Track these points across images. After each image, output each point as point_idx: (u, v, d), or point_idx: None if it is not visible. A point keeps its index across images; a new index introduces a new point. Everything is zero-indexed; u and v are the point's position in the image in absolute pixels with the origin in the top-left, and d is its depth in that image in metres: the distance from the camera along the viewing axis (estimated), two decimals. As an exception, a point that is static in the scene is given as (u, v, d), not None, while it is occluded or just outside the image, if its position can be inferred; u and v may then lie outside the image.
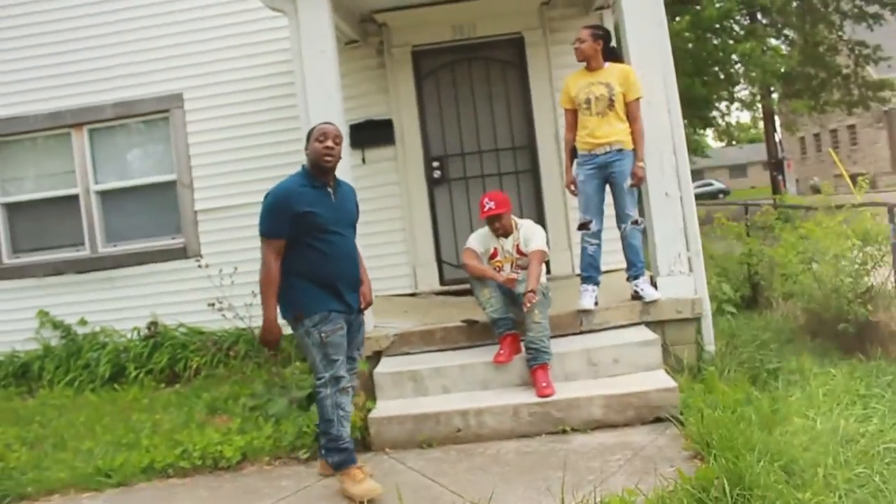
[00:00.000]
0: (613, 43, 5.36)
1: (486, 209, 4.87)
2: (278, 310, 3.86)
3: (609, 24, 6.90)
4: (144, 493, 4.29)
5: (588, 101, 5.03)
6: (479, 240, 5.05)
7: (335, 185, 3.98)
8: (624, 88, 5.02)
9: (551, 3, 6.97)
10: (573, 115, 5.20)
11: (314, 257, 3.82)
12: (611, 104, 5.00)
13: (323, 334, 3.81)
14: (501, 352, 4.70)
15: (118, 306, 7.39)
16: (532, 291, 4.54)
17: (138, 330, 7.24)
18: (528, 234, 4.97)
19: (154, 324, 7.22)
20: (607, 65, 5.15)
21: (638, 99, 5.06)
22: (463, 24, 6.96)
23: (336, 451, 3.88)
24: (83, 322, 7.38)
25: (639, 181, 5.06)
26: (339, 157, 3.97)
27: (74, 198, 7.56)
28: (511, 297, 4.88)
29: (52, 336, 7.43)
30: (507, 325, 4.78)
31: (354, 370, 4.16)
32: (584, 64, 5.18)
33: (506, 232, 4.95)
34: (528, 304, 4.53)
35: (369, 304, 4.20)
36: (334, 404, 3.85)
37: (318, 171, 3.90)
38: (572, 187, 5.22)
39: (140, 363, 6.92)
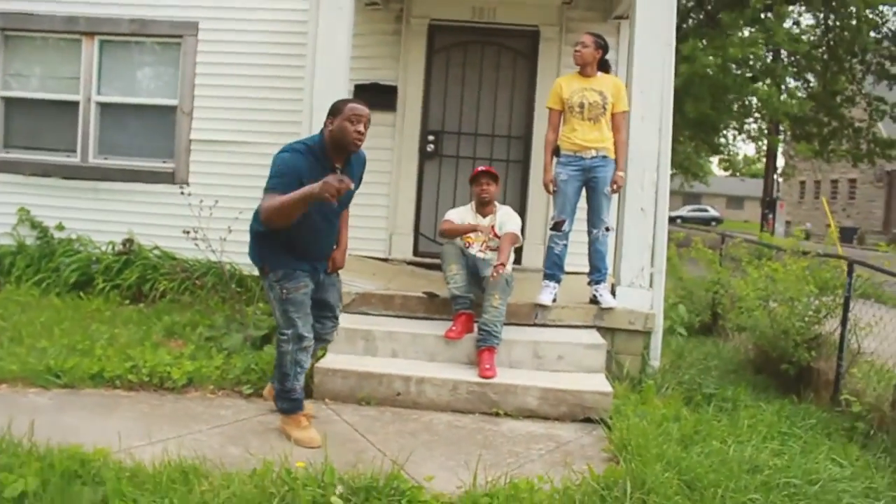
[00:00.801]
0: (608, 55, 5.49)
1: (480, 169, 5.20)
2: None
3: (625, 35, 7.03)
4: (89, 397, 4.44)
5: (581, 106, 5.17)
6: (457, 213, 5.32)
7: (345, 164, 3.89)
8: (614, 99, 5.19)
9: (573, 4, 7.07)
10: (559, 116, 5.34)
11: (295, 232, 3.74)
12: (603, 112, 5.15)
13: (284, 290, 3.85)
14: (454, 328, 4.87)
15: (98, 218, 7.52)
16: (501, 265, 4.77)
17: (113, 244, 7.37)
18: (505, 217, 5.20)
19: (130, 241, 7.35)
20: (599, 74, 5.29)
21: (624, 112, 5.22)
22: (484, 7, 7.05)
23: (287, 400, 4.00)
24: (60, 227, 7.50)
25: (618, 189, 5.23)
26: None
27: (74, 104, 7.64)
28: (477, 278, 5.06)
29: (28, 235, 7.54)
30: (465, 304, 4.96)
31: (334, 327, 4.29)
32: (578, 68, 5.30)
33: (488, 203, 5.21)
34: (496, 275, 4.75)
35: (338, 268, 4.19)
36: (293, 360, 3.93)
37: (337, 151, 3.81)
38: (550, 186, 5.35)
39: (109, 277, 7.05)
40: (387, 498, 3.08)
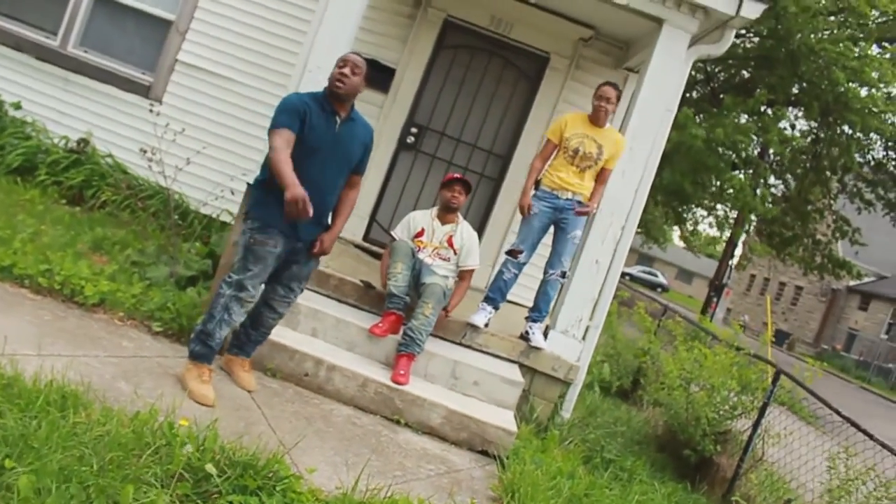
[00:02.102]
0: None
1: (454, 174, 5.22)
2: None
3: (630, 87, 7.02)
4: (-10, 289, 4.23)
5: (577, 151, 5.12)
6: (410, 220, 5.24)
7: (347, 119, 3.96)
8: (609, 156, 5.15)
9: (589, 43, 7.03)
10: (553, 149, 5.28)
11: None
12: (593, 165, 5.12)
13: (252, 239, 3.83)
14: (380, 325, 4.76)
15: (60, 109, 7.22)
16: (448, 312, 5.00)
17: (68, 140, 7.07)
18: (471, 242, 5.19)
19: (85, 141, 7.06)
20: (608, 126, 5.25)
21: (613, 169, 5.19)
22: (503, 18, 6.97)
23: (201, 343, 3.89)
24: (18, 105, 7.16)
25: (584, 212, 5.16)
26: (355, 88, 3.92)
27: (69, -14, 7.32)
28: (417, 282, 4.97)
29: (-18, 104, 7.20)
30: (399, 304, 4.85)
31: (285, 299, 4.13)
32: (591, 112, 5.23)
33: (453, 211, 5.19)
34: (448, 315, 4.98)
35: (323, 252, 4.10)
36: (224, 305, 3.86)
37: (331, 96, 3.90)
38: (526, 210, 5.23)
39: (53, 171, 6.77)
40: (262, 479, 2.96)
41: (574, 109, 6.37)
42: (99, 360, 3.79)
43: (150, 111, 6.25)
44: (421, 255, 5.05)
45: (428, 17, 7.04)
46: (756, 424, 5.43)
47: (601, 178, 5.23)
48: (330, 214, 4.10)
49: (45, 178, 6.70)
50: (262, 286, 4.04)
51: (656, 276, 48.26)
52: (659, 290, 44.81)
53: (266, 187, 3.84)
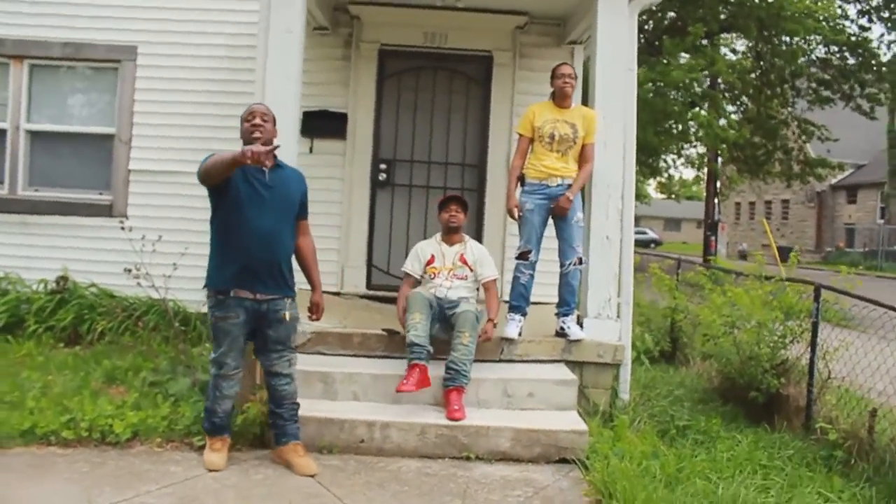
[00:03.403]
0: None
1: (448, 195, 5.12)
2: None
3: (579, 59, 6.95)
4: (18, 458, 4.01)
5: (552, 137, 5.01)
6: (418, 251, 5.09)
7: (274, 167, 3.98)
8: (585, 132, 5.04)
9: (526, 29, 6.95)
10: (528, 143, 5.17)
11: (227, 228, 3.89)
12: (572, 145, 5.01)
13: (214, 317, 3.97)
14: (406, 381, 4.42)
15: (28, 254, 6.99)
16: (492, 321, 4.80)
17: (46, 282, 6.85)
18: (481, 255, 5.04)
19: (64, 279, 6.85)
20: (574, 105, 5.15)
21: (594, 143, 5.07)
22: (435, 31, 6.88)
23: (208, 420, 4.10)
24: (-16, 264, 6.96)
25: (561, 210, 5.03)
26: (271, 134, 3.97)
27: (1, 132, 7.15)
28: (444, 316, 4.78)
29: (-54, 275, 6.98)
30: (422, 355, 4.52)
31: (281, 359, 4.06)
32: (552, 96, 5.15)
33: (456, 231, 5.03)
34: (488, 335, 4.78)
35: (320, 310, 4.30)
36: (214, 385, 4.04)
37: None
38: (515, 212, 5.15)
39: (41, 318, 6.52)
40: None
41: (530, 98, 6.29)
42: (153, 495, 3.59)
43: (122, 228, 6.07)
44: (438, 281, 4.89)
45: (361, 52, 6.93)
46: (813, 345, 5.30)
47: (584, 155, 5.11)
48: (284, 268, 4.04)
49: (36, 327, 6.47)
50: (240, 358, 4.06)
51: (646, 233, 48.28)
52: (653, 245, 44.82)
53: (214, 252, 3.96)
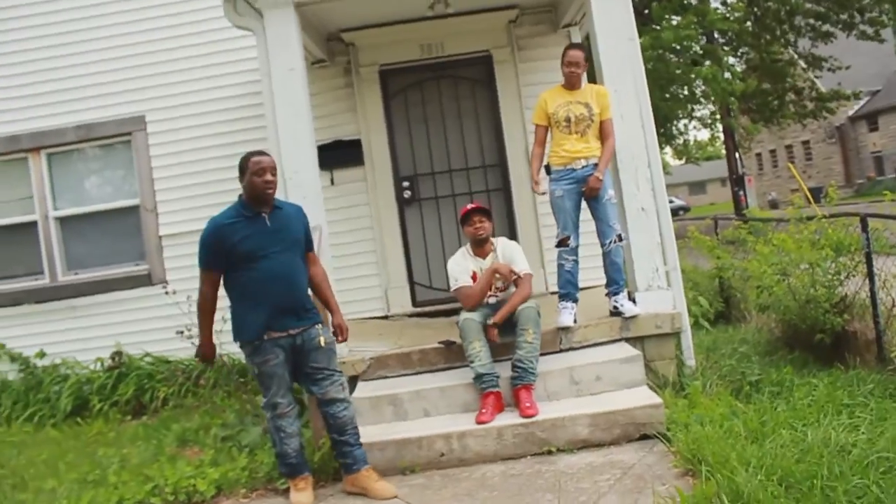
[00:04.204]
0: None
1: (469, 208, 4.86)
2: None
3: (576, 41, 6.92)
4: (114, 532, 4.08)
5: (568, 120, 4.99)
6: (457, 267, 4.88)
7: (273, 210, 4.07)
8: (600, 108, 5.01)
9: (518, 22, 6.95)
10: (545, 131, 5.14)
11: (245, 282, 3.96)
12: (590, 124, 4.98)
13: (254, 365, 4.06)
14: (484, 411, 4.41)
15: (80, 336, 7.14)
16: (494, 325, 4.66)
17: (102, 361, 6.98)
18: (510, 253, 4.87)
19: (118, 353, 6.97)
20: (584, 84, 5.13)
21: (611, 118, 5.04)
22: (431, 42, 6.90)
23: (282, 464, 4.17)
24: (41, 354, 7.10)
25: (592, 192, 5.00)
26: (276, 186, 4.08)
27: (32, 224, 7.33)
28: (507, 322, 4.71)
29: (9, 370, 7.14)
30: (492, 382, 4.50)
31: (332, 384, 4.10)
32: (563, 81, 5.13)
33: (484, 242, 4.87)
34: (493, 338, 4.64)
35: (345, 331, 4.28)
36: (275, 427, 4.11)
37: (256, 203, 4.00)
38: (538, 188, 5.11)
39: (104, 395, 6.66)
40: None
41: (536, 88, 6.27)
42: (250, 543, 3.62)
43: (166, 293, 6.16)
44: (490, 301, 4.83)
45: (362, 77, 6.98)
46: (870, 276, 5.20)
47: (604, 132, 5.07)
48: (306, 301, 4.15)
49: (101, 405, 6.61)
50: (290, 395, 4.15)
51: (672, 201, 47.80)
52: (681, 212, 44.39)
53: (237, 309, 4.04)
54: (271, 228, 4.00)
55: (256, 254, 3.93)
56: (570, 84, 5.09)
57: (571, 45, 5.18)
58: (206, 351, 4.21)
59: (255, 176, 3.95)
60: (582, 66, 5.05)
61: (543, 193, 5.15)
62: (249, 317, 3.96)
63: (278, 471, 4.25)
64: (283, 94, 5.18)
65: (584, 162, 4.99)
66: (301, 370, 4.12)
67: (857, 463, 3.30)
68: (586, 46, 5.37)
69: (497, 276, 4.82)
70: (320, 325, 4.13)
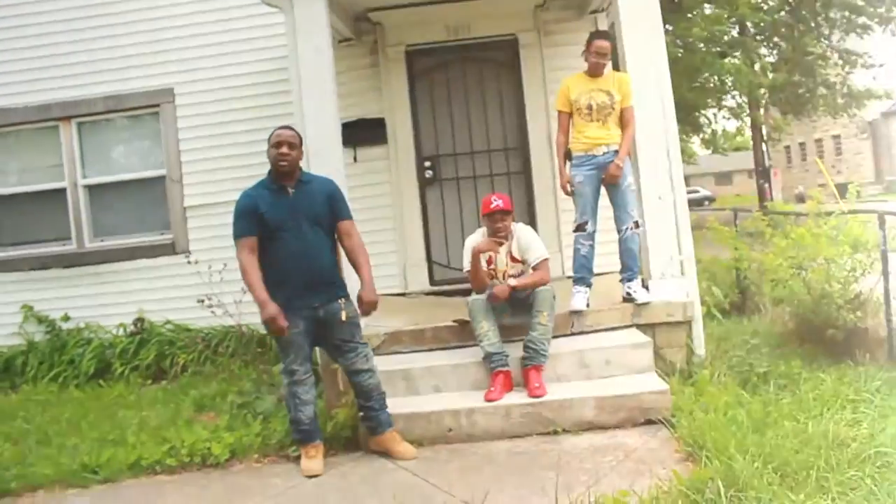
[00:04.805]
0: None
1: (493, 205, 4.77)
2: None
3: (602, 27, 6.93)
4: (132, 489, 4.24)
5: (590, 107, 5.04)
6: (473, 242, 4.92)
7: (298, 184, 4.20)
8: (621, 96, 5.06)
9: (546, 6, 6.97)
10: (568, 118, 5.20)
11: (270, 255, 4.11)
12: (611, 111, 5.03)
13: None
14: (493, 389, 4.51)
15: (104, 302, 7.33)
16: (508, 286, 4.70)
17: (124, 326, 7.17)
18: (527, 241, 4.90)
19: (140, 320, 7.16)
20: (607, 71, 5.16)
21: (632, 106, 5.08)
22: (457, 24, 6.95)
23: (295, 430, 4.30)
24: (66, 318, 7.31)
25: (612, 178, 5.05)
26: (296, 160, 4.21)
27: (61, 192, 7.50)
28: (517, 300, 4.78)
29: (36, 331, 7.35)
30: (502, 361, 4.60)
31: (357, 356, 4.25)
32: (588, 69, 5.16)
33: (504, 235, 4.85)
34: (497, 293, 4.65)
35: (368, 306, 4.23)
36: (290, 393, 4.23)
37: (276, 175, 4.18)
38: (568, 187, 5.20)
39: (126, 360, 6.86)
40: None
41: (561, 73, 6.29)
42: (261, 506, 3.76)
43: (189, 262, 6.31)
44: (496, 282, 4.87)
45: (388, 56, 7.04)
46: (885, 274, 5.21)
47: (624, 120, 5.12)
48: (330, 275, 4.26)
49: (122, 369, 6.80)
50: (309, 364, 4.29)
51: (698, 191, 47.47)
52: (707, 202, 44.09)
53: (268, 286, 4.05)
54: (292, 202, 4.13)
55: (278, 226, 4.06)
56: (594, 72, 5.13)
57: (598, 34, 5.20)
58: (267, 314, 3.98)
59: (273, 147, 4.13)
60: (607, 55, 5.09)
61: (573, 194, 5.19)
62: (272, 290, 4.03)
63: (291, 438, 4.39)
64: (310, 74, 5.25)
65: (604, 149, 5.04)
66: (328, 342, 4.29)
67: (856, 456, 3.35)
68: (612, 35, 5.37)
69: (511, 263, 4.89)
70: (343, 300, 4.24)
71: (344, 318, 4.20)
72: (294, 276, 4.07)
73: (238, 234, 4.11)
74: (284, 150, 4.11)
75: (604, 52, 5.07)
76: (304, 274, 4.09)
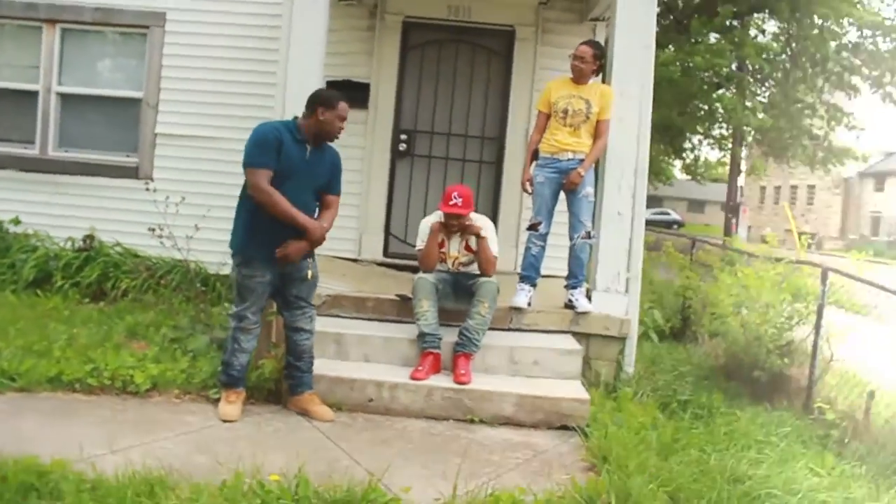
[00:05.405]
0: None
1: (451, 203, 4.82)
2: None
3: (601, 37, 6.97)
4: (46, 401, 4.23)
5: (565, 112, 5.11)
6: (427, 229, 5.01)
7: (316, 147, 4.21)
8: (599, 108, 5.12)
9: (549, 4, 6.99)
10: (546, 118, 5.27)
11: (265, 212, 4.06)
12: (585, 120, 5.10)
13: (241, 275, 4.21)
14: (420, 368, 4.58)
15: (57, 213, 7.24)
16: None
17: (73, 240, 7.10)
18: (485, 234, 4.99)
19: (90, 237, 7.09)
20: (592, 81, 5.22)
21: (608, 120, 5.15)
22: (459, 5, 6.95)
23: (224, 373, 4.32)
24: (17, 221, 7.20)
25: (570, 185, 5.13)
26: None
27: (34, 94, 7.37)
28: (459, 287, 4.92)
29: (-19, 229, 7.23)
30: (434, 343, 4.67)
31: (303, 315, 4.36)
32: (570, 73, 5.23)
33: (457, 231, 4.95)
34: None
35: (314, 241, 4.16)
36: (233, 338, 4.27)
37: (316, 139, 4.19)
38: (528, 185, 5.28)
39: (68, 274, 6.78)
40: (364, 511, 2.95)
41: (551, 73, 6.35)
42: (170, 441, 3.79)
43: (147, 190, 6.26)
44: (446, 265, 5.00)
45: (386, 23, 7.02)
46: (817, 328, 5.37)
47: (598, 131, 5.19)
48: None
49: (63, 283, 6.71)
50: (260, 313, 4.35)
51: (668, 213, 48.03)
52: (675, 226, 44.58)
53: (251, 229, 4.13)
54: (308, 161, 4.16)
55: (287, 176, 4.05)
56: (577, 77, 5.19)
57: (585, 41, 5.27)
58: (312, 229, 4.09)
59: (338, 119, 4.19)
60: (588, 62, 5.15)
61: (532, 194, 5.28)
62: (253, 233, 4.11)
63: (216, 379, 4.43)
64: (302, 26, 5.21)
65: (570, 155, 5.12)
66: (281, 294, 4.33)
67: (746, 494, 3.48)
68: (603, 46, 5.43)
69: (464, 252, 4.99)
70: (311, 260, 4.32)
71: (309, 276, 4.28)
72: (280, 229, 4.07)
73: (261, 163, 4.00)
74: (343, 124, 4.22)
75: (581, 56, 5.14)
76: (290, 230, 4.09)
